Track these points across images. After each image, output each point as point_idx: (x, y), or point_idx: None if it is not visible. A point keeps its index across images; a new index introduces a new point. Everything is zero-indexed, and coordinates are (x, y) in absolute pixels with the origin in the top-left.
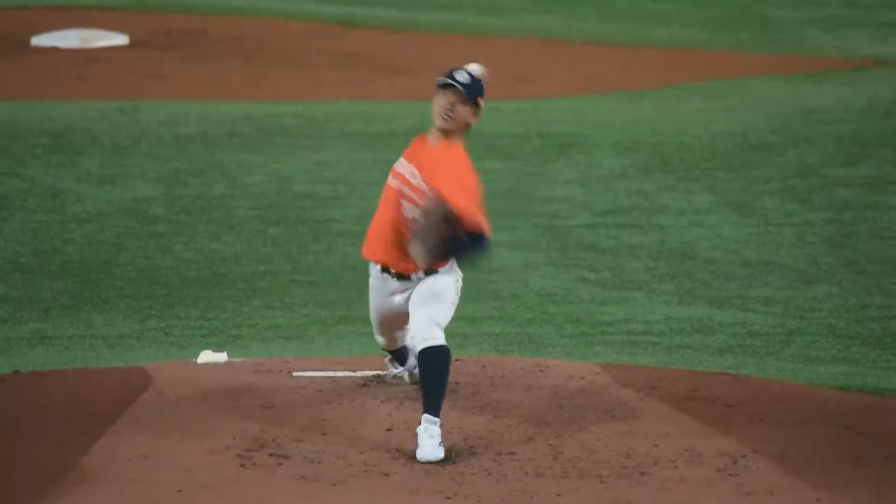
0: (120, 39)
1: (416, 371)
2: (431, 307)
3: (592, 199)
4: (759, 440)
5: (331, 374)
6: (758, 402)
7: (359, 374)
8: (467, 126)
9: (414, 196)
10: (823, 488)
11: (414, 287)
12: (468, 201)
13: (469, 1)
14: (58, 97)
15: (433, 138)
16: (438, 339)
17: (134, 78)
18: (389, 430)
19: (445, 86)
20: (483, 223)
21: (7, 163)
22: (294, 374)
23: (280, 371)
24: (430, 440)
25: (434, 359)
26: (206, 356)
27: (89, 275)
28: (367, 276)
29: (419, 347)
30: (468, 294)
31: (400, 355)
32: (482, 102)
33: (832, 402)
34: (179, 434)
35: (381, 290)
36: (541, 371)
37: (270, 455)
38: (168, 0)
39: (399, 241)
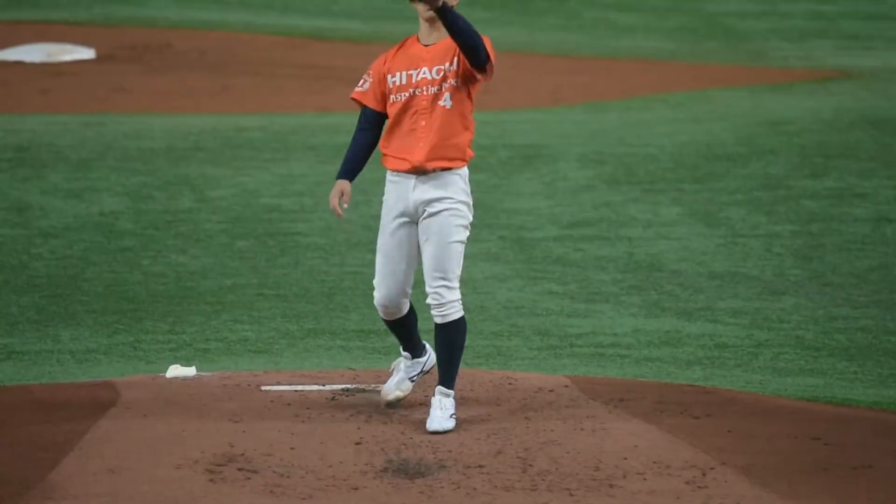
0: (86, 53)
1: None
2: (442, 261)
3: (559, 212)
4: (728, 452)
5: (299, 387)
6: (726, 414)
7: (327, 387)
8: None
9: (441, 86)
10: (792, 499)
11: (425, 211)
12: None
13: None
14: (23, 111)
15: (427, 37)
16: (454, 310)
17: (100, 92)
18: (358, 443)
19: None
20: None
21: None
22: (263, 387)
23: (248, 385)
24: (440, 412)
25: (454, 333)
26: (175, 370)
27: (56, 289)
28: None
29: (437, 321)
30: None
31: (408, 337)
32: None
33: (800, 414)
34: (147, 448)
35: (396, 221)
36: (509, 384)
37: (239, 469)
38: (134, 14)
39: (441, 138)
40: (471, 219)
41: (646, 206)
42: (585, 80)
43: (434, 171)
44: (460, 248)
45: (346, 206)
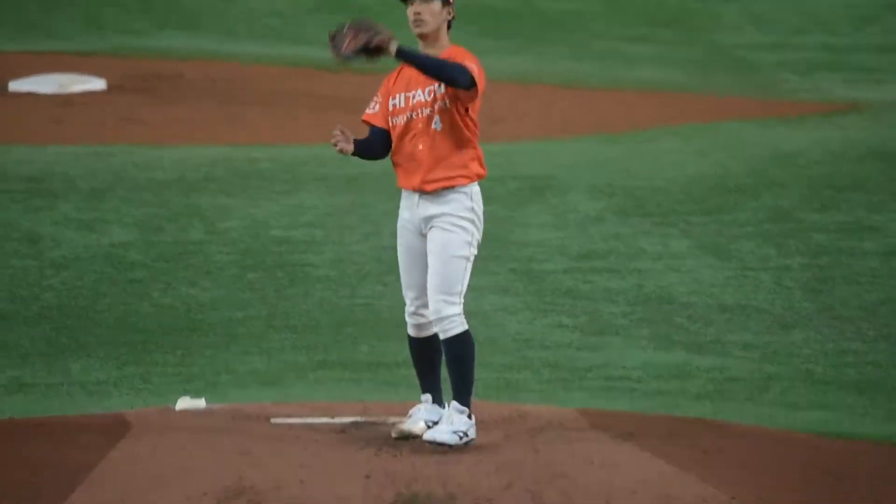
0: (97, 84)
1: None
2: (443, 276)
3: (568, 243)
4: (738, 486)
5: (309, 420)
6: (736, 448)
7: (337, 420)
8: (447, 23)
9: (429, 109)
10: None
11: (434, 214)
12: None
13: None
14: (35, 142)
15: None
16: (455, 324)
17: (111, 122)
18: (368, 476)
19: None
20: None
21: None
22: (272, 420)
23: (258, 417)
24: (445, 426)
25: (458, 348)
26: (184, 403)
27: (67, 321)
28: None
29: (441, 336)
30: None
31: (429, 372)
32: None
33: (810, 448)
34: (157, 481)
35: (407, 231)
36: (519, 416)
37: (248, 502)
38: (145, 45)
39: (435, 160)
40: (477, 235)
41: (655, 238)
42: (595, 112)
43: (435, 190)
44: (462, 264)
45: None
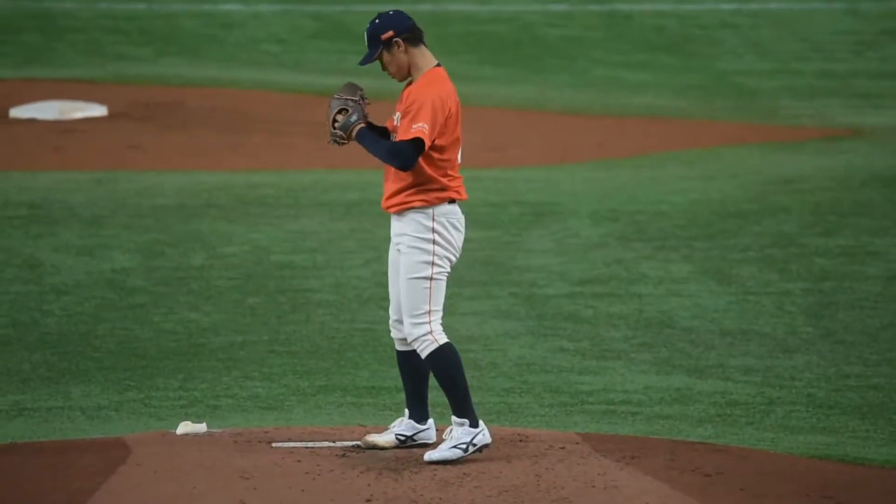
0: (98, 111)
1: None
2: (407, 298)
3: (570, 269)
4: None
5: (310, 444)
6: (738, 472)
7: (338, 444)
8: (409, 61)
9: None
10: None
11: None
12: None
13: (445, 70)
14: (36, 168)
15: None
16: (427, 343)
17: (111, 149)
18: (369, 500)
19: (365, 62)
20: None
21: None
22: (273, 444)
23: (259, 441)
24: (445, 443)
25: (436, 363)
26: (186, 427)
27: (68, 346)
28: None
29: (421, 357)
30: None
31: (413, 392)
32: (391, 33)
33: (812, 472)
34: None
35: (392, 247)
36: (520, 441)
37: None
38: (146, 72)
39: (394, 183)
40: (444, 254)
41: (657, 263)
42: (596, 138)
43: (398, 211)
44: (424, 284)
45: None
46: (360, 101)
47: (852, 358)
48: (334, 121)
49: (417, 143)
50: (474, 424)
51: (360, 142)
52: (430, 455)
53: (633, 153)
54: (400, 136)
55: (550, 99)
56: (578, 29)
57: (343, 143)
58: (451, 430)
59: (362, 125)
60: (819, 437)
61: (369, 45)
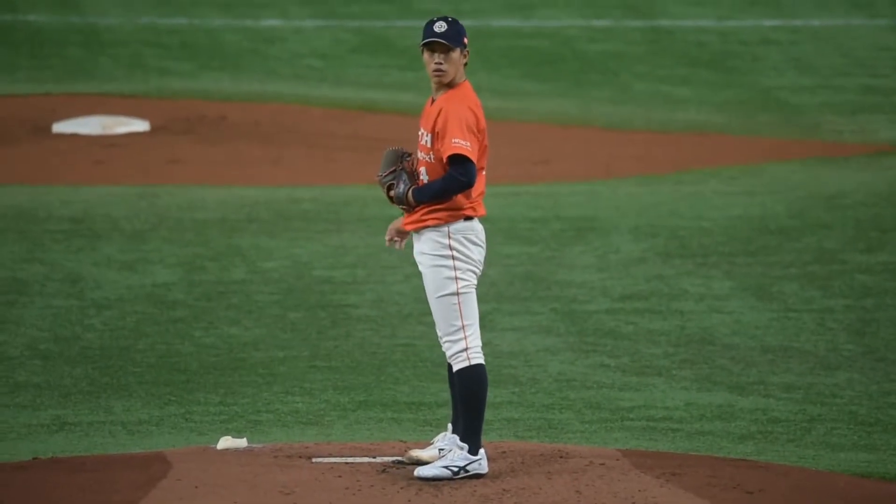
0: (140, 125)
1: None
2: (441, 318)
3: (611, 284)
4: None
5: (350, 460)
6: (779, 489)
7: (378, 459)
8: (462, 67)
9: (425, 157)
10: None
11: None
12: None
13: (487, 85)
14: (78, 182)
15: (436, 94)
16: (460, 359)
17: (154, 163)
18: None
19: (427, 43)
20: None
21: (27, 248)
22: (314, 459)
23: (300, 457)
24: (440, 461)
25: (465, 381)
26: (226, 442)
27: (109, 361)
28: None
29: (454, 368)
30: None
31: (455, 403)
32: (466, 41)
33: (853, 490)
34: None
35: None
36: (560, 457)
37: None
38: (188, 86)
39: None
40: (467, 267)
41: (698, 279)
42: (638, 153)
43: (416, 230)
44: (452, 300)
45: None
46: (400, 165)
47: (894, 375)
48: (391, 199)
49: (461, 157)
50: (473, 452)
51: (422, 201)
52: (421, 471)
53: (674, 169)
54: (445, 153)
55: (592, 114)
56: (620, 44)
57: (411, 210)
58: (450, 451)
59: (412, 187)
60: (860, 454)
61: (450, 38)
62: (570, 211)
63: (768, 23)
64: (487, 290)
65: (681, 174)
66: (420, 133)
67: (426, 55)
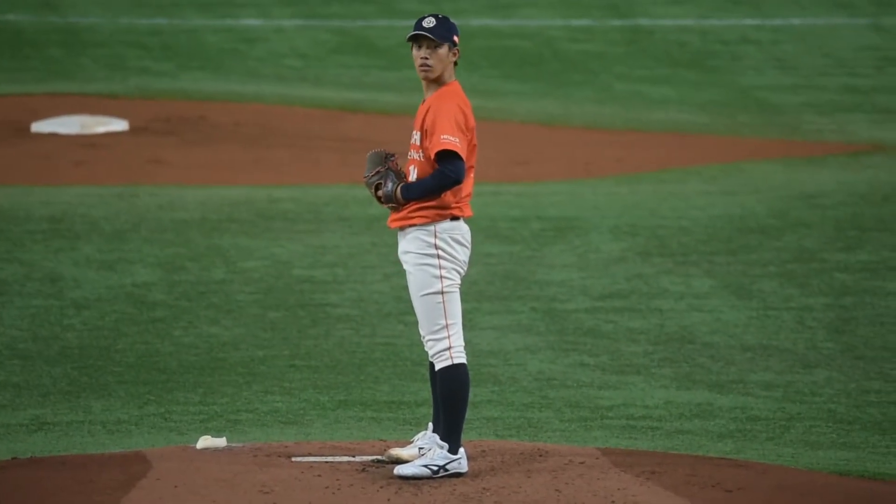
0: (120, 125)
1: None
2: (424, 317)
3: (591, 283)
4: None
5: (330, 459)
6: (758, 487)
7: (358, 458)
8: (451, 66)
9: (416, 156)
10: None
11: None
12: (446, 144)
13: (467, 85)
14: (57, 182)
15: (427, 93)
16: (443, 358)
17: (133, 163)
18: None
19: (414, 37)
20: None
21: (6, 247)
22: (293, 459)
23: (279, 456)
24: (420, 459)
25: (446, 380)
26: (206, 441)
27: (88, 360)
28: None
29: (436, 367)
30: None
31: (435, 403)
32: (457, 39)
33: (832, 488)
34: None
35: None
36: (540, 455)
37: None
38: (168, 86)
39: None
40: (451, 267)
41: (678, 278)
42: (619, 153)
43: (400, 227)
44: (437, 299)
45: None
46: (385, 165)
47: (873, 373)
48: (379, 199)
49: (449, 153)
50: (453, 451)
51: (410, 198)
52: (400, 469)
53: (654, 168)
54: (433, 150)
55: (572, 114)
56: (601, 44)
57: (399, 208)
58: (430, 449)
59: (400, 184)
60: (839, 452)
61: (437, 33)
62: (550, 210)
63: (749, 22)
64: (468, 289)
65: (661, 173)
66: (414, 134)
67: (413, 50)
